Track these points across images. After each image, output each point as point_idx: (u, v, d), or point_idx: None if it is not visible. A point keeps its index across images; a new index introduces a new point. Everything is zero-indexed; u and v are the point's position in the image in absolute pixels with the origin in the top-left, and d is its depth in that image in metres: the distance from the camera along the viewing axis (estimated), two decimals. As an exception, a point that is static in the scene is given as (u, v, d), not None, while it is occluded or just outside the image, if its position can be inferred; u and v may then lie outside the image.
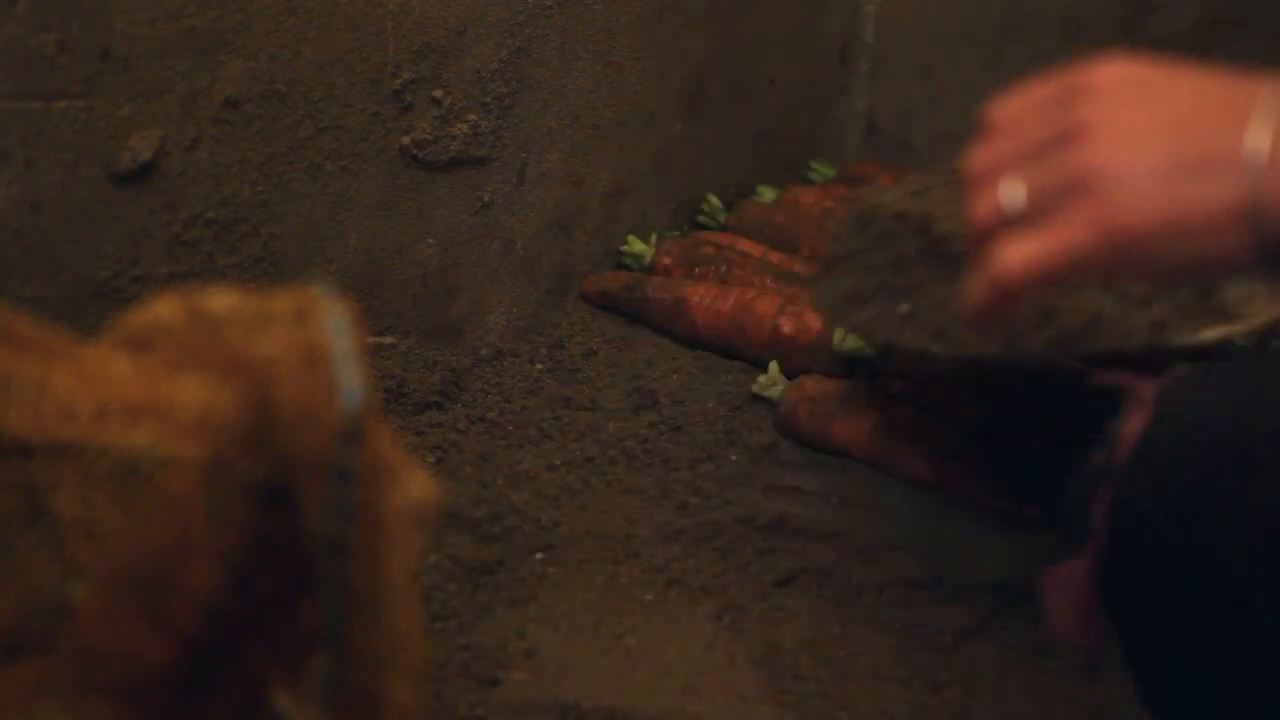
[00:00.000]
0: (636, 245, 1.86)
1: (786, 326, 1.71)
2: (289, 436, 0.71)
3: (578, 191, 1.82)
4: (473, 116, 1.66)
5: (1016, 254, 0.78)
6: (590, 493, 1.56)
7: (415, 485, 0.74)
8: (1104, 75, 0.80)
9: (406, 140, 1.62)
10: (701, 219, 1.97)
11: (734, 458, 1.61)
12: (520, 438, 1.62)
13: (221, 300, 0.75)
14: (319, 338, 0.72)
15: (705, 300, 1.76)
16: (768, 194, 2.00)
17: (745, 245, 1.86)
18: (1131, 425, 0.95)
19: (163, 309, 0.76)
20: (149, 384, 0.74)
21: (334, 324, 0.72)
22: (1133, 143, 0.77)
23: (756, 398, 1.68)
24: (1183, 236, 0.75)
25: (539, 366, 1.73)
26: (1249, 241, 0.75)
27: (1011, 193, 0.79)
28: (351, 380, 0.71)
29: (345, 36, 1.53)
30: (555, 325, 1.80)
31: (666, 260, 1.86)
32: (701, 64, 1.93)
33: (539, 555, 1.47)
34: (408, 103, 1.60)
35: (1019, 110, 0.82)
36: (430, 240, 1.67)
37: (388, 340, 1.66)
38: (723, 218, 1.95)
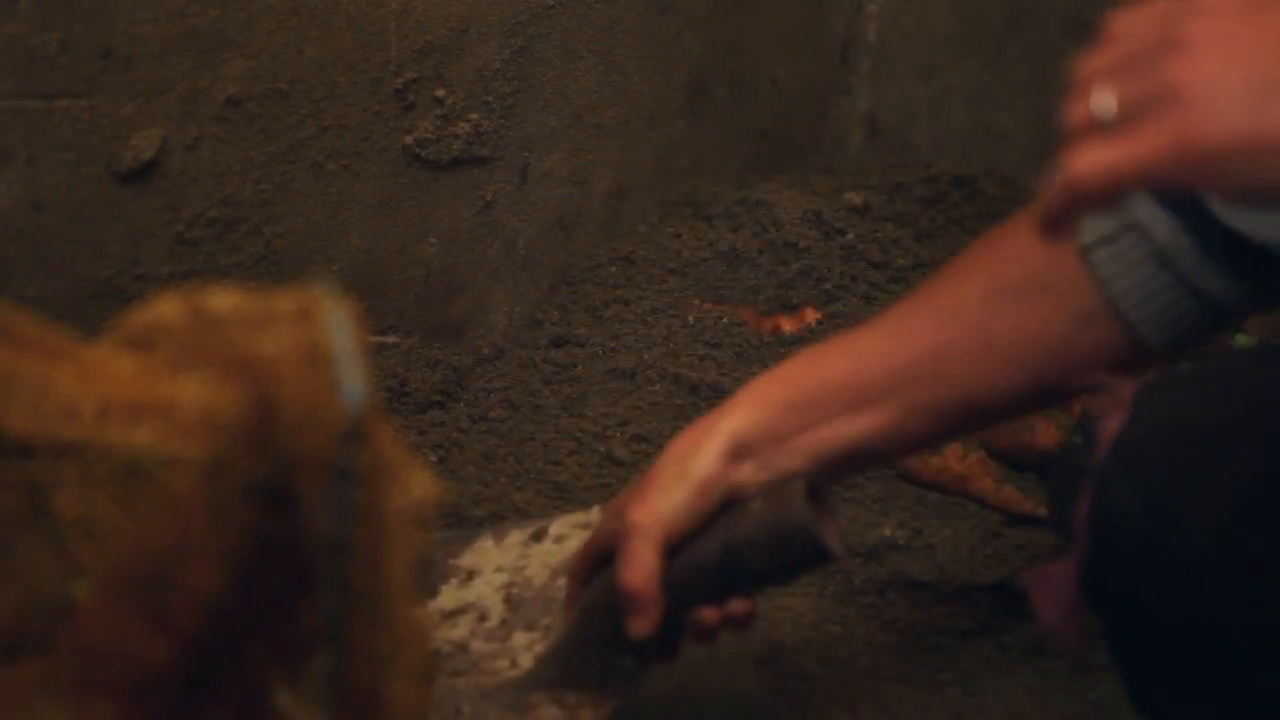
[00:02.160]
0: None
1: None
2: (291, 436, 0.71)
3: (579, 191, 1.82)
4: (475, 116, 1.66)
5: (1090, 159, 0.78)
6: (592, 492, 1.56)
7: (417, 485, 0.74)
8: None
9: (409, 140, 1.62)
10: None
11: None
12: (522, 436, 1.62)
13: (223, 300, 0.74)
14: (321, 337, 0.72)
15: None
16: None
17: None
18: (1110, 424, 0.95)
19: (165, 308, 0.76)
20: (151, 383, 0.74)
21: (336, 323, 0.72)
22: (1226, 59, 0.76)
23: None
24: (1254, 159, 0.75)
25: (541, 366, 1.73)
26: None
27: (1103, 100, 0.79)
28: (353, 380, 0.71)
29: (347, 35, 1.53)
30: (556, 324, 1.80)
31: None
32: (703, 63, 1.93)
33: (540, 555, 1.47)
34: (410, 102, 1.60)
35: (1133, 22, 0.81)
36: (432, 240, 1.67)
37: (390, 339, 1.66)
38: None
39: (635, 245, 1.87)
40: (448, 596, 1.25)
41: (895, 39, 2.15)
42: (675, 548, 1.12)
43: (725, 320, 1.78)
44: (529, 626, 1.21)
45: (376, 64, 1.56)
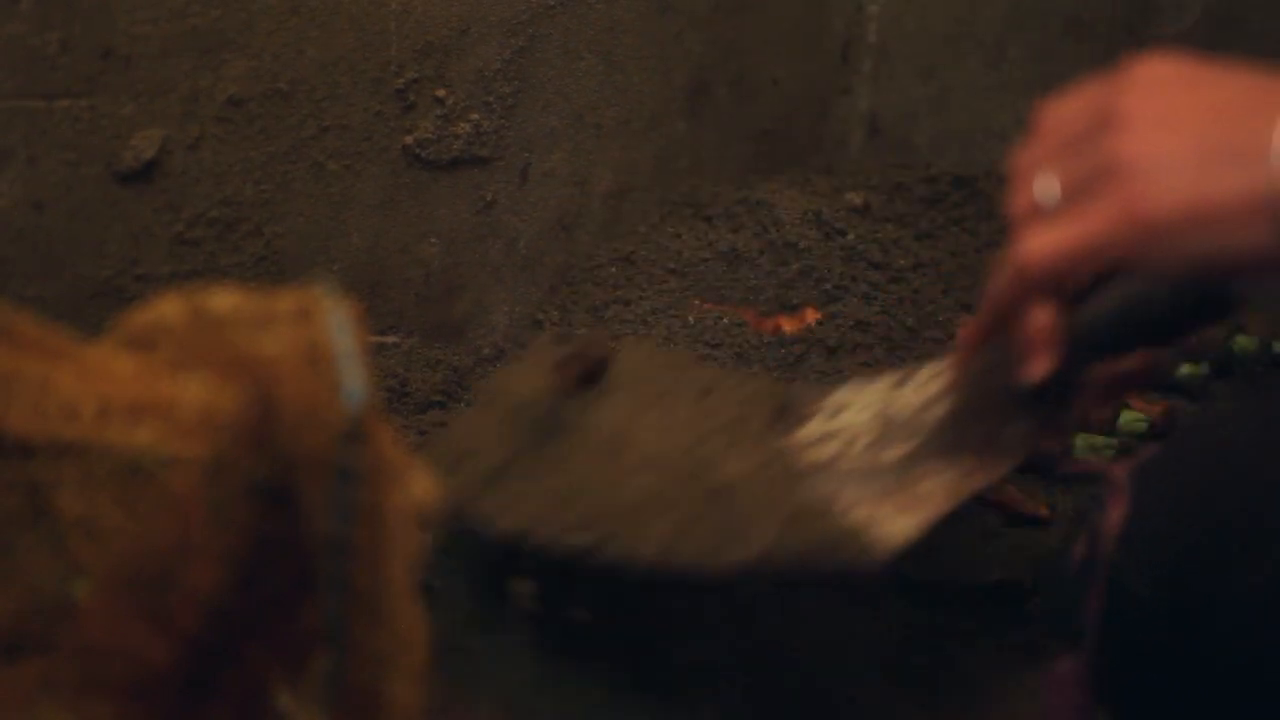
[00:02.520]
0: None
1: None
2: (291, 436, 0.71)
3: (580, 191, 1.82)
4: (475, 116, 1.66)
5: (1037, 242, 0.77)
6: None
7: (418, 485, 0.74)
8: (1144, 69, 0.79)
9: (409, 140, 1.62)
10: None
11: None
12: (522, 437, 1.62)
13: (224, 300, 0.75)
14: (321, 337, 0.72)
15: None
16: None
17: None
18: (1112, 515, 0.93)
19: (165, 308, 0.76)
20: (151, 383, 0.74)
21: (337, 323, 0.72)
22: (1163, 131, 0.76)
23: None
24: (1203, 227, 0.74)
25: (541, 366, 1.73)
26: (1269, 237, 0.74)
27: (1045, 186, 0.79)
28: (354, 380, 0.71)
29: (348, 35, 1.54)
30: (557, 324, 1.80)
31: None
32: (704, 63, 1.93)
33: (541, 555, 1.47)
34: (410, 102, 1.60)
35: (1063, 109, 0.81)
36: (433, 240, 1.67)
37: (390, 339, 1.66)
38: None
39: (636, 245, 1.87)
40: (814, 427, 1.22)
41: (896, 39, 2.15)
42: (1073, 298, 1.03)
43: (725, 320, 1.78)
44: (903, 444, 1.17)
45: (377, 64, 1.57)
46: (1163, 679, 0.94)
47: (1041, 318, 0.99)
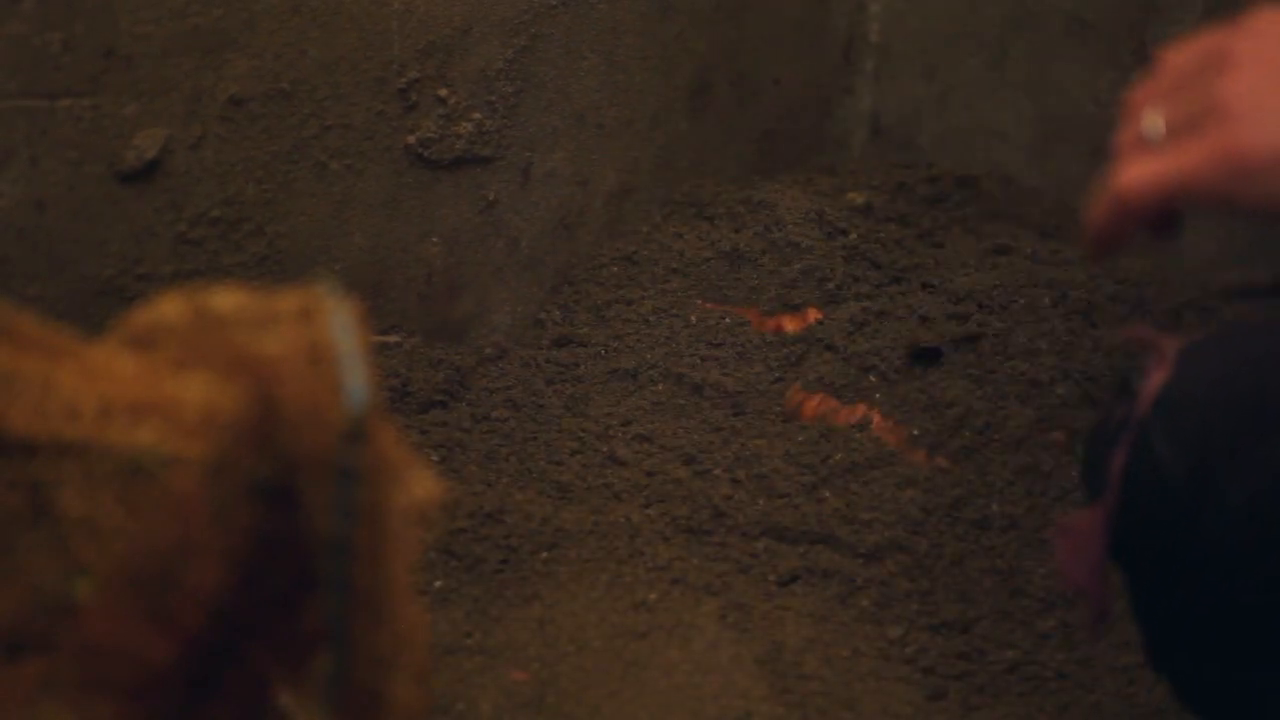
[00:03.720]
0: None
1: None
2: (293, 436, 0.71)
3: (582, 191, 1.82)
4: (477, 115, 1.66)
5: (1135, 173, 0.80)
6: (594, 491, 1.56)
7: (419, 484, 0.74)
8: (1261, 18, 0.81)
9: (411, 139, 1.62)
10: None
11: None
12: (524, 436, 1.62)
13: (226, 299, 0.75)
14: (324, 337, 0.72)
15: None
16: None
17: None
18: (1153, 380, 0.96)
19: (167, 308, 0.76)
20: (153, 383, 0.74)
21: (339, 323, 0.72)
22: (1266, 78, 0.78)
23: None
24: None
25: (543, 365, 1.73)
26: None
27: (1151, 121, 0.81)
28: (356, 379, 0.71)
29: (350, 35, 1.54)
30: (559, 324, 1.80)
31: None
32: (706, 63, 1.93)
33: (544, 554, 1.47)
34: (412, 101, 1.60)
35: (1181, 53, 0.83)
36: (435, 239, 1.67)
37: (392, 339, 1.66)
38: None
39: (638, 245, 1.87)
40: None
41: (898, 39, 2.15)
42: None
43: (728, 320, 1.78)
44: None
45: (379, 64, 1.57)
46: (1173, 539, 0.97)
47: None
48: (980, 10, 2.12)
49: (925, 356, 1.69)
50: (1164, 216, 0.80)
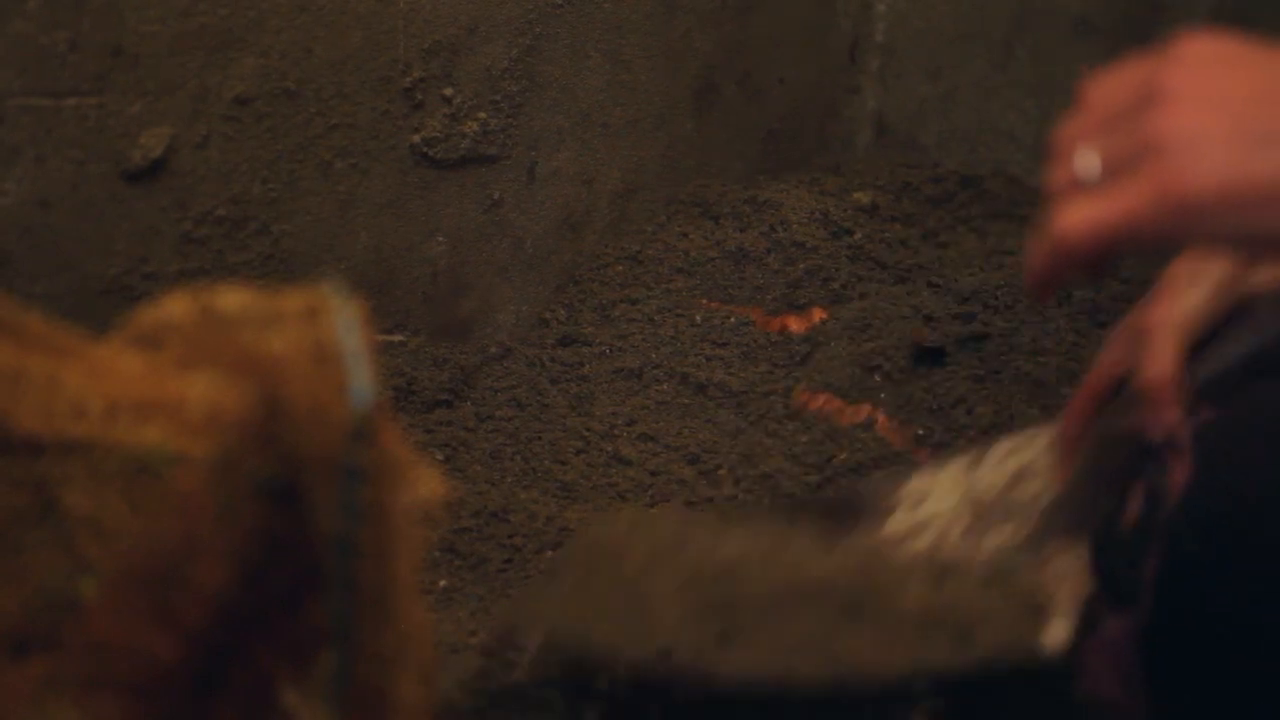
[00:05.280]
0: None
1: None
2: (298, 435, 0.71)
3: (587, 190, 1.82)
4: (483, 115, 1.66)
5: (1075, 218, 0.77)
6: (598, 491, 1.56)
7: (424, 484, 0.74)
8: (1190, 47, 0.78)
9: (416, 138, 1.62)
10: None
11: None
12: (529, 435, 1.62)
13: (232, 298, 0.75)
14: (329, 336, 0.72)
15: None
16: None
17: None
18: (1175, 477, 0.93)
19: (173, 307, 0.76)
20: (159, 381, 0.74)
21: (344, 322, 0.72)
22: (1204, 111, 0.75)
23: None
24: (1238, 207, 0.74)
25: (548, 365, 1.73)
26: None
27: (1086, 160, 0.78)
28: (361, 378, 0.71)
29: (356, 34, 1.54)
30: (564, 323, 1.80)
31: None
32: (712, 62, 1.93)
33: (548, 553, 1.47)
34: (418, 101, 1.60)
35: (1108, 84, 0.80)
36: (440, 238, 1.67)
37: (397, 338, 1.66)
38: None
39: (643, 244, 1.87)
40: (901, 520, 1.17)
41: (903, 38, 2.15)
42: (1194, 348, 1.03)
43: (733, 319, 1.78)
44: (1000, 526, 1.12)
45: (385, 63, 1.57)
46: (1215, 645, 0.93)
47: (1164, 366, 0.99)
48: (986, 10, 2.11)
49: (930, 356, 1.69)
50: (1103, 258, 0.78)
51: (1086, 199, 0.77)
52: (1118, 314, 1.73)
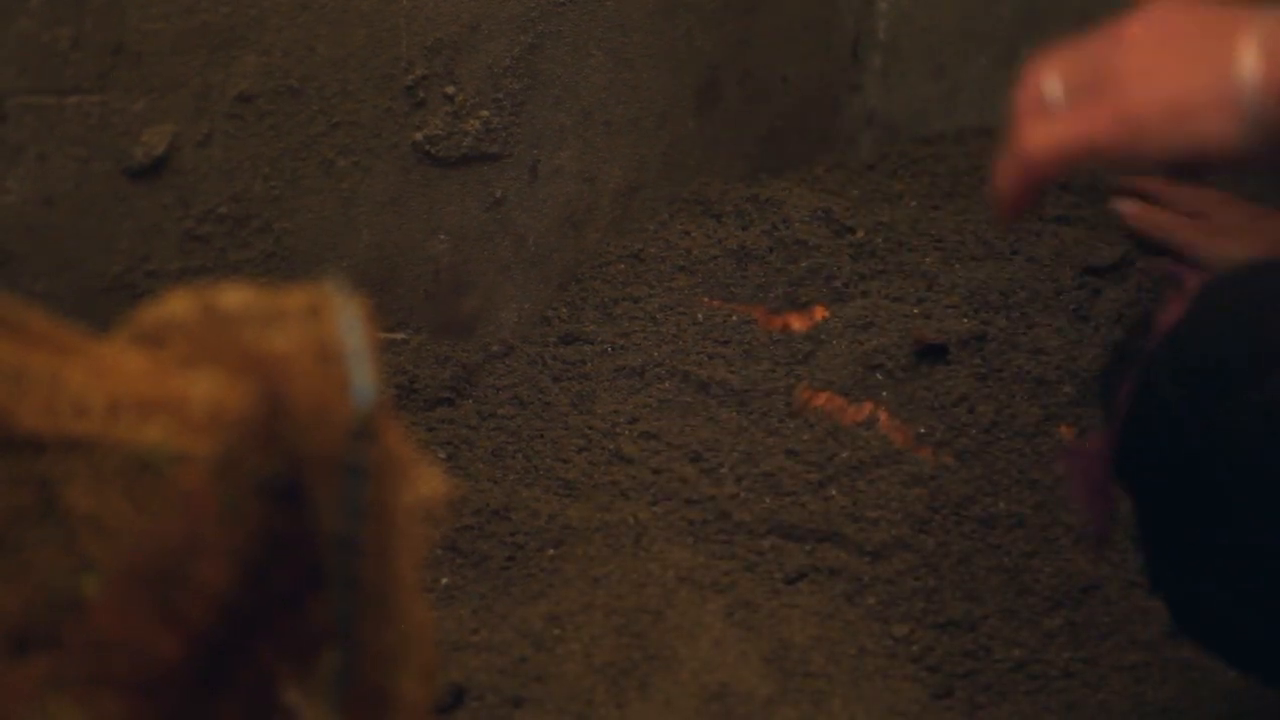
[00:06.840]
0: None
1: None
2: (301, 433, 0.71)
3: (589, 188, 1.82)
4: (485, 113, 1.66)
5: (1038, 136, 0.89)
6: (600, 489, 1.56)
7: (426, 481, 0.74)
8: (1154, 7, 0.92)
9: (419, 136, 1.62)
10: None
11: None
12: (531, 433, 1.62)
13: (234, 296, 0.75)
14: (331, 334, 0.72)
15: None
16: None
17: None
18: (1169, 313, 0.99)
19: (175, 305, 0.76)
20: (161, 380, 0.75)
21: (346, 320, 0.72)
22: (1155, 49, 0.88)
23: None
24: (1179, 120, 0.85)
25: (550, 363, 1.73)
26: (1234, 128, 0.85)
27: (1051, 85, 0.91)
28: (363, 377, 0.71)
29: (359, 32, 1.54)
30: (566, 321, 1.80)
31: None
32: (714, 61, 1.93)
33: (550, 551, 1.47)
34: (420, 99, 1.60)
35: (1082, 39, 0.95)
36: (442, 236, 1.67)
37: (399, 336, 1.66)
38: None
39: (645, 243, 1.87)
40: None
41: (906, 36, 2.15)
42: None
43: (734, 318, 1.78)
44: None
45: (387, 61, 1.57)
46: (1174, 470, 1.00)
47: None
48: (989, 9, 2.11)
49: (932, 354, 1.69)
50: (1064, 174, 0.89)
51: (1050, 119, 0.88)
52: (1118, 316, 1.73)
